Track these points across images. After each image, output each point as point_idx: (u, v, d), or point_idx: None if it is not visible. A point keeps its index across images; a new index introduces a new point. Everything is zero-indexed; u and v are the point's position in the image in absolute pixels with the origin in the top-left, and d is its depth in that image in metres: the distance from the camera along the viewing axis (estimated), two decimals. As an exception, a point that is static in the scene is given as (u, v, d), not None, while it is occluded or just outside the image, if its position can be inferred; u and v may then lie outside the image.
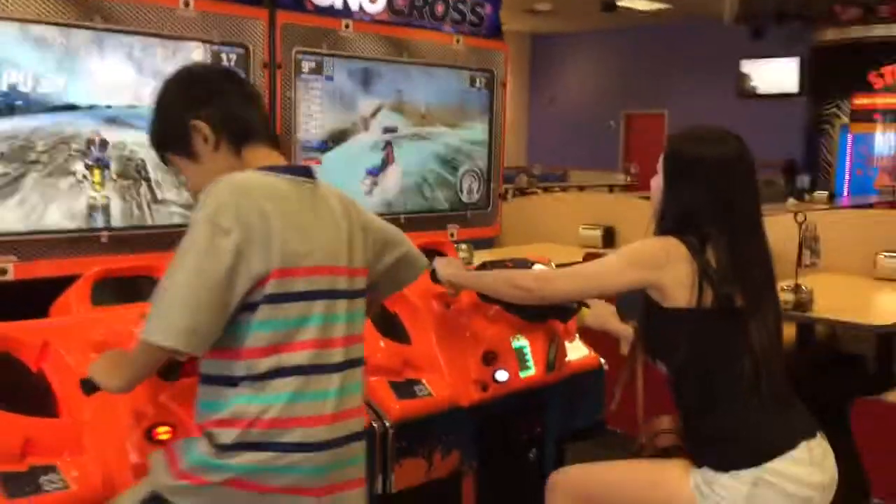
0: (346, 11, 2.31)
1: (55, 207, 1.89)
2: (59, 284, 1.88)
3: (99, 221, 1.95)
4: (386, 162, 2.44)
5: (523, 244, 4.99)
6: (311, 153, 2.29)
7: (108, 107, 1.94)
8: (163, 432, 1.61)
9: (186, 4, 2.01)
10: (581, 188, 11.87)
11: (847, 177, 12.44)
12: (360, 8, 2.33)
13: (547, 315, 2.25)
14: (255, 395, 1.46)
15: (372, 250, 1.68)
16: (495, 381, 2.19)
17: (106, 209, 1.96)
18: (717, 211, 1.83)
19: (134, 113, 1.96)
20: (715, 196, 1.83)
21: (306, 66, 2.25)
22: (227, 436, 1.45)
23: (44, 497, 1.50)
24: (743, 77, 13.88)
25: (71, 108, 1.88)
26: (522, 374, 2.25)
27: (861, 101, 12.34)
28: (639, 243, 1.89)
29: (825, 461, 1.79)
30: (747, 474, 1.72)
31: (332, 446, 1.51)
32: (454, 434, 2.15)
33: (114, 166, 1.96)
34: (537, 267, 2.22)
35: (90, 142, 1.91)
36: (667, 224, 1.88)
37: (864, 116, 12.28)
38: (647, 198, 6.65)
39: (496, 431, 2.26)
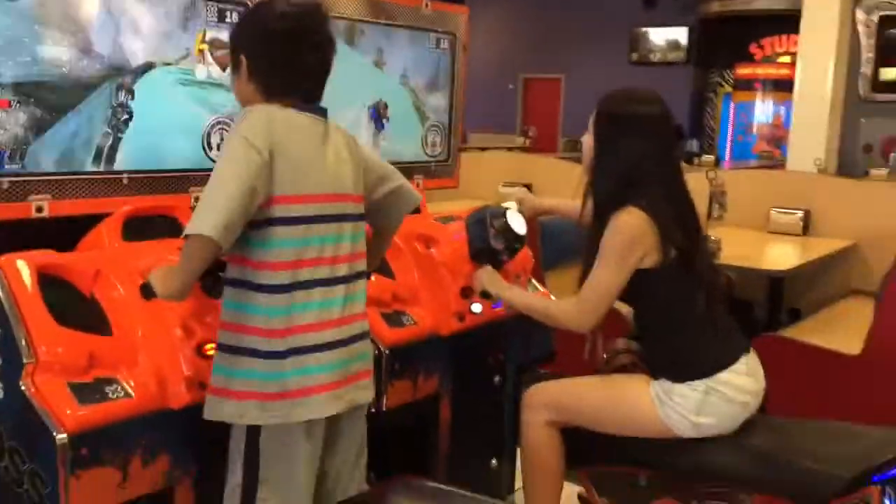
0: (332, -27, 2.50)
1: (84, 150, 2.03)
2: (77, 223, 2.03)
3: (121, 164, 2.10)
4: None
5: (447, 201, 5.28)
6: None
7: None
8: (210, 348, 1.82)
9: (198, -36, 2.18)
10: (482, 149, 12.23)
11: (728, 142, 13.23)
12: (345, -29, 2.53)
13: (503, 261, 2.50)
14: (277, 306, 1.71)
15: (369, 182, 1.92)
16: (471, 312, 2.47)
17: (127, 153, 2.11)
18: (653, 164, 2.09)
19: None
20: (650, 150, 2.09)
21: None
22: (273, 344, 1.70)
23: (109, 404, 1.69)
24: (635, 44, 14.44)
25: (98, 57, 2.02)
26: (494, 307, 2.54)
27: (743, 70, 13.10)
28: (615, 231, 2.07)
29: (757, 372, 2.16)
30: (700, 384, 2.06)
31: (340, 346, 1.78)
32: (435, 360, 2.42)
33: (136, 115, 2.11)
34: (511, 213, 2.44)
35: (118, 88, 2.06)
36: (603, 180, 2.13)
37: (746, 85, 13.05)
38: (561, 157, 7.06)
39: (469, 358, 2.55)
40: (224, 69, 2.27)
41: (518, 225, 2.44)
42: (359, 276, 1.86)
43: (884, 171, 9.21)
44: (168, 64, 2.16)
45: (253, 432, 1.75)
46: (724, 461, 2.04)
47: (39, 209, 1.96)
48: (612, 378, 2.26)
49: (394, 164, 2.09)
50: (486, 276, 2.36)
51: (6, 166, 1.90)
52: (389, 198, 2.00)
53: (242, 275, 1.73)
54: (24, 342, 1.65)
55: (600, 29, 14.79)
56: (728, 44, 13.61)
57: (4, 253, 1.76)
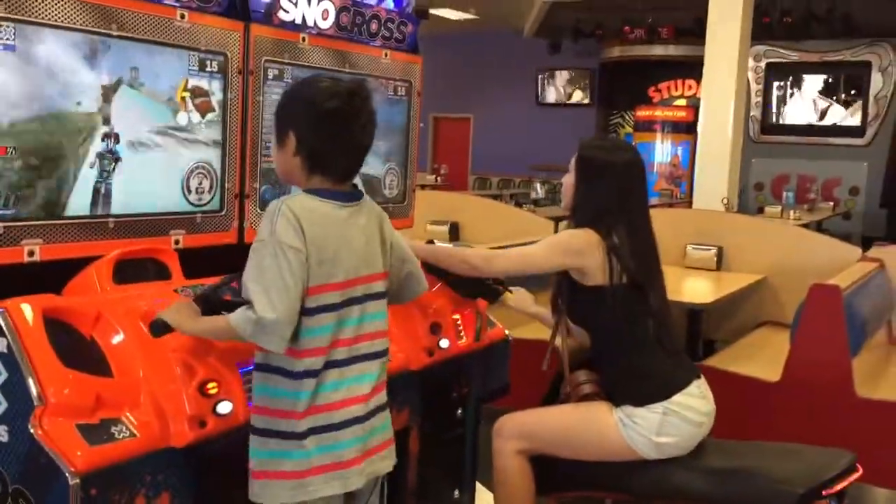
0: (303, 26, 2.61)
1: (73, 195, 2.07)
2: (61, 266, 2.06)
3: (107, 208, 2.14)
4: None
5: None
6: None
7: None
8: (211, 388, 1.88)
9: (182, 17, 2.25)
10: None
11: (630, 181, 13.75)
12: (315, 23, 2.64)
13: (478, 295, 2.68)
14: (303, 390, 1.78)
15: (394, 262, 2.01)
16: (439, 347, 2.59)
17: (111, 197, 2.15)
18: (622, 205, 2.36)
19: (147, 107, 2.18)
20: (619, 194, 2.37)
21: (271, 73, 2.53)
22: (294, 425, 1.77)
23: (116, 444, 1.73)
24: (541, 86, 14.95)
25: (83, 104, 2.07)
26: (459, 342, 2.66)
27: (643, 112, 13.72)
28: (564, 234, 2.40)
29: (708, 395, 2.35)
30: (658, 406, 2.25)
31: (361, 421, 1.85)
32: (407, 393, 2.52)
33: (124, 158, 2.16)
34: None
35: (105, 136, 2.11)
36: (582, 216, 2.39)
37: (646, 126, 13.65)
38: (485, 196, 7.29)
39: (436, 392, 2.66)
40: (203, 116, 2.35)
41: None
42: (380, 354, 1.92)
43: (777, 209, 9.84)
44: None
45: None
46: (686, 481, 2.21)
47: (31, 253, 1.99)
48: (577, 406, 2.42)
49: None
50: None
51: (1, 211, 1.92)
52: (406, 280, 2.08)
53: (269, 359, 1.80)
54: (33, 386, 1.68)
55: (508, 71, 15.26)
56: (628, 87, 14.28)
57: (-4, 297, 1.79)
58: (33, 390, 1.68)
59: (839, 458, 2.17)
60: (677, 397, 2.26)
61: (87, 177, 2.09)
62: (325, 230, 1.77)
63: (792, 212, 9.47)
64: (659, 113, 13.73)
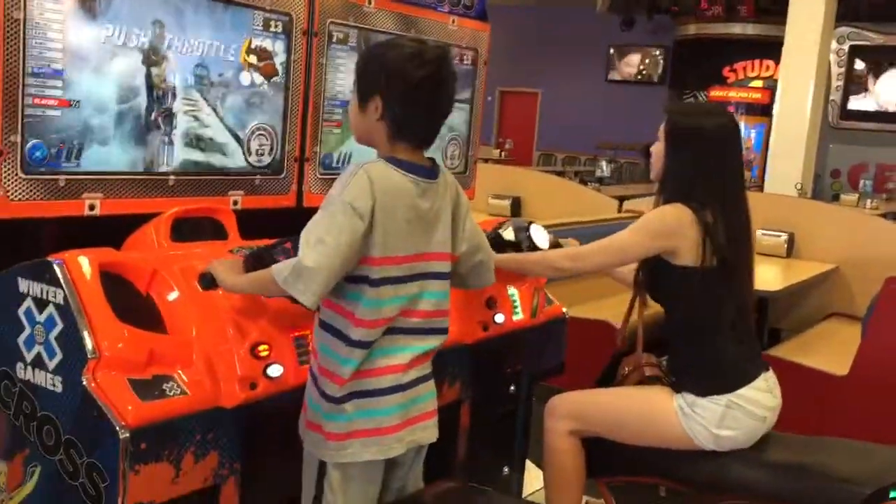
0: (371, -12, 2.56)
1: (134, 150, 2.07)
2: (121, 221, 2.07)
3: (168, 165, 2.14)
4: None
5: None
6: (337, 112, 2.55)
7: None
8: (263, 350, 1.87)
9: (249, -26, 2.23)
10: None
11: (700, 163, 13.44)
12: (383, -14, 2.59)
13: None
14: (353, 358, 1.76)
15: (464, 248, 1.95)
16: (494, 322, 2.54)
17: (173, 154, 2.15)
18: (715, 175, 2.20)
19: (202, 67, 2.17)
20: (712, 162, 2.21)
21: (335, 36, 2.50)
22: (335, 390, 1.76)
23: (168, 400, 1.73)
24: (612, 63, 14.67)
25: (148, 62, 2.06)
26: (514, 318, 2.61)
27: (717, 93, 13.34)
28: (655, 214, 2.24)
29: (775, 389, 2.25)
30: (722, 399, 2.16)
31: (401, 390, 1.81)
32: (459, 367, 2.48)
33: (181, 117, 2.15)
34: (535, 228, 2.55)
35: (167, 93, 2.10)
36: (672, 188, 2.25)
37: (719, 108, 13.27)
38: (549, 172, 7.23)
39: (489, 367, 2.61)
40: (268, 78, 2.33)
41: (541, 239, 2.52)
42: (435, 331, 1.87)
43: (854, 197, 9.50)
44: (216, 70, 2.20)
45: (321, 464, 1.82)
46: (744, 475, 2.13)
47: (92, 207, 2.00)
48: (634, 389, 2.34)
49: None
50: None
51: (63, 165, 1.93)
52: (476, 268, 2.02)
53: (333, 320, 1.78)
54: (88, 338, 1.69)
55: (578, 46, 15.00)
56: (702, 66, 13.90)
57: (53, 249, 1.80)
58: (88, 343, 1.68)
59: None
60: (743, 391, 2.16)
61: (148, 132, 2.09)
62: (396, 202, 1.73)
63: (869, 201, 9.13)
64: (733, 94, 13.33)
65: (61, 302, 1.72)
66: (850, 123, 13.12)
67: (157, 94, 2.09)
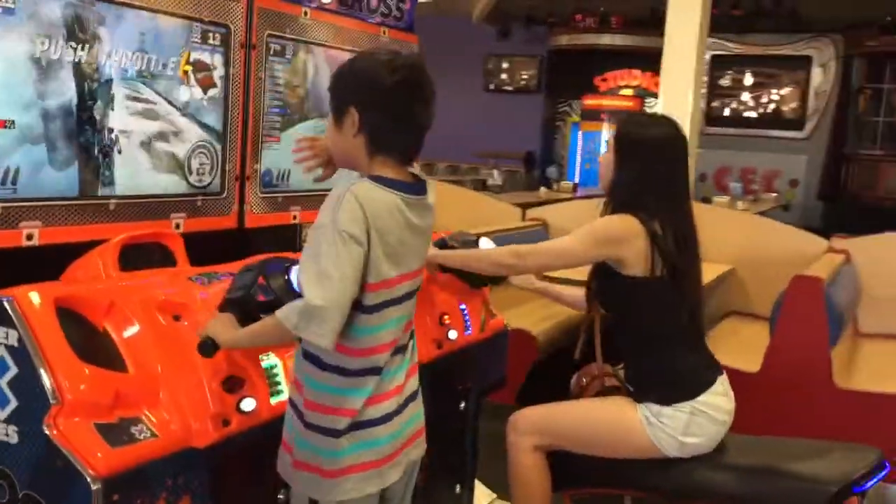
0: (306, -1, 2.48)
1: (73, 174, 1.91)
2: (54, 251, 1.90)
3: (109, 189, 1.99)
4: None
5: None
6: (275, 126, 2.44)
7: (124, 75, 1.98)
8: (235, 383, 1.75)
9: (188, -17, 2.10)
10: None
11: (577, 169, 13.83)
12: (318, -4, 2.51)
13: (487, 281, 2.58)
14: (351, 388, 1.66)
15: None
16: (448, 339, 2.49)
17: (113, 177, 2.00)
18: (663, 186, 2.23)
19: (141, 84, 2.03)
20: (660, 173, 2.23)
21: (273, 48, 2.39)
22: (337, 422, 1.65)
23: (138, 445, 1.59)
24: (489, 72, 14.85)
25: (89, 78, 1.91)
26: (466, 334, 2.57)
27: (590, 101, 13.75)
28: (601, 222, 2.26)
29: (730, 391, 2.30)
30: (686, 406, 2.18)
31: (396, 415, 1.73)
32: (415, 386, 2.42)
33: (125, 136, 2.00)
34: (484, 242, 2.52)
35: (105, 112, 1.95)
36: (620, 198, 2.26)
37: (592, 116, 13.68)
38: (445, 180, 7.12)
39: (442, 385, 2.55)
40: (206, 92, 2.20)
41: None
42: (410, 347, 1.81)
43: (725, 199, 9.97)
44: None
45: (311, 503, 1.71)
46: (711, 479, 2.16)
47: (30, 237, 1.82)
48: (596, 402, 2.34)
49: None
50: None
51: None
52: None
53: (320, 353, 1.65)
54: (48, 382, 1.53)
55: (455, 56, 15.10)
56: (575, 75, 14.28)
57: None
58: (48, 387, 1.53)
59: (867, 455, 2.15)
60: (704, 396, 2.19)
61: (85, 154, 1.93)
62: (389, 222, 1.63)
63: (739, 202, 9.61)
64: (606, 102, 13.76)
65: (14, 343, 1.56)
66: (714, 129, 13.79)
67: (94, 112, 1.94)
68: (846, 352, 4.41)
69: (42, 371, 1.54)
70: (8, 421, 1.57)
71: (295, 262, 1.79)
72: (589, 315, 2.47)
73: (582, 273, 3.97)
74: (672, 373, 2.24)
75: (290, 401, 1.73)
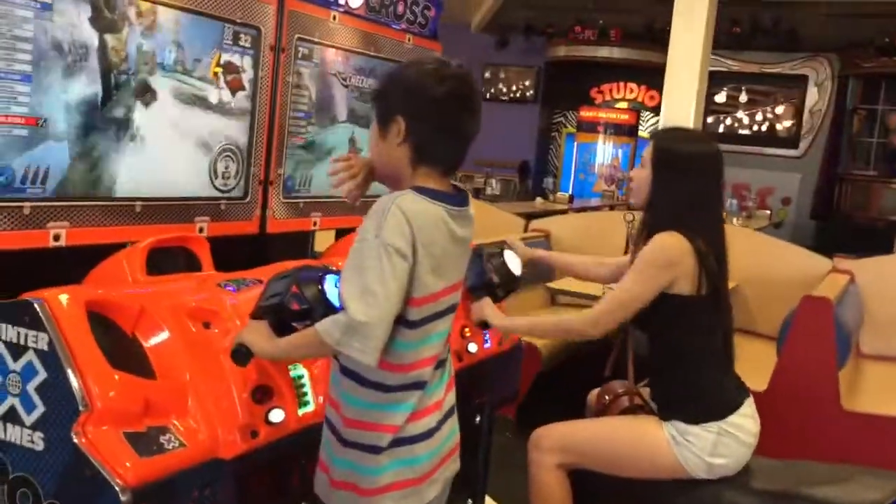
0: (335, 2, 2.44)
1: (101, 174, 1.87)
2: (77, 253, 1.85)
3: (135, 191, 1.95)
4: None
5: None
6: (301, 131, 2.41)
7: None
8: (264, 394, 1.71)
9: (221, -17, 2.07)
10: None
11: (571, 180, 13.83)
12: (346, 1, 2.47)
13: (500, 297, 2.51)
14: (388, 403, 1.61)
15: None
16: (468, 352, 2.46)
17: (140, 179, 1.96)
18: (704, 203, 2.19)
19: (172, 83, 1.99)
20: (703, 190, 2.19)
21: (301, 52, 2.36)
22: (379, 439, 1.61)
23: (166, 455, 1.56)
24: (487, 81, 14.84)
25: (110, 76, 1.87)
26: (485, 346, 2.53)
27: (587, 113, 13.76)
28: (655, 247, 2.16)
29: (756, 415, 2.27)
30: (713, 426, 2.14)
31: (436, 431, 1.69)
32: (433, 399, 2.38)
33: (153, 136, 1.96)
34: (508, 255, 2.45)
35: (134, 111, 1.91)
36: (661, 215, 2.20)
37: (589, 127, 13.70)
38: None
39: (460, 399, 2.52)
40: (234, 94, 2.17)
41: (514, 265, 2.45)
42: (447, 360, 1.77)
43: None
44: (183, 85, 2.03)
45: None
46: (738, 503, 2.13)
47: (57, 237, 1.78)
48: (621, 420, 2.30)
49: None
50: (487, 308, 2.30)
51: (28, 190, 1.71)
52: None
53: (358, 367, 1.60)
54: (78, 388, 1.49)
55: (454, 64, 15.08)
56: (571, 87, 14.30)
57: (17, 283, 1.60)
58: (78, 393, 1.49)
59: (891, 482, 2.12)
60: (732, 417, 2.16)
61: (114, 155, 1.89)
62: (434, 235, 1.58)
63: (735, 219, 9.61)
64: (602, 115, 13.78)
65: (44, 347, 1.51)
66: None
67: (121, 112, 1.90)
68: (850, 373, 4.40)
69: (72, 376, 1.50)
70: (35, 427, 1.53)
71: (328, 270, 1.75)
72: (621, 331, 2.43)
73: (595, 287, 3.95)
74: (701, 392, 2.20)
75: (327, 420, 1.67)
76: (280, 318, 1.66)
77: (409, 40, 2.78)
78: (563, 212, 9.13)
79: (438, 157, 1.64)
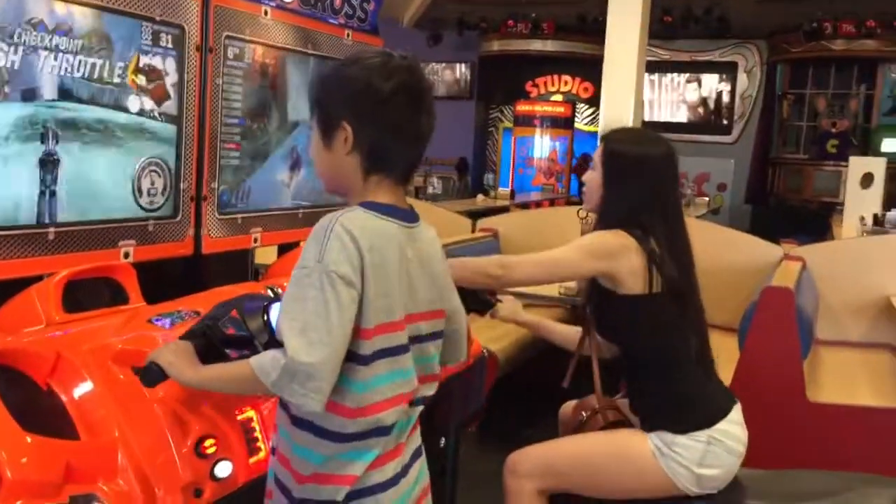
0: (266, -4, 2.22)
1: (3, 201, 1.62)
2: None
3: (49, 217, 1.70)
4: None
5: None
6: (234, 139, 2.18)
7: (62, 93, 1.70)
8: (209, 445, 1.49)
9: (136, -23, 1.83)
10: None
11: (511, 175, 13.74)
12: (278, -6, 2.25)
13: (471, 308, 2.35)
14: (342, 454, 1.40)
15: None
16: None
17: (54, 203, 1.71)
18: (658, 204, 2.10)
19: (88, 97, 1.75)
20: (655, 191, 2.10)
21: (231, 52, 2.13)
22: (335, 493, 1.39)
23: (96, 531, 1.33)
24: (420, 79, 14.62)
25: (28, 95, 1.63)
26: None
27: (523, 107, 13.70)
28: (595, 235, 2.11)
29: (743, 422, 2.14)
30: (702, 435, 2.01)
31: (401, 477, 1.48)
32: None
33: (66, 154, 1.72)
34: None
35: (43, 126, 1.67)
36: (612, 217, 2.12)
37: (526, 121, 13.64)
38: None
39: (424, 421, 2.32)
40: (159, 103, 1.93)
41: None
42: (424, 401, 1.55)
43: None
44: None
45: None
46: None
47: (-46, 276, 1.53)
48: (601, 435, 2.15)
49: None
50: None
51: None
52: (446, 340, 1.62)
53: (312, 416, 1.38)
54: (-17, 459, 1.25)
55: (385, 62, 14.86)
56: (506, 81, 14.22)
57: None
58: (-17, 465, 1.25)
59: (888, 488, 2.00)
60: (721, 425, 2.03)
61: (22, 177, 1.64)
62: (386, 256, 1.38)
63: (676, 208, 9.59)
64: (539, 108, 13.73)
65: (-61, 412, 1.27)
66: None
67: (35, 129, 1.65)
68: (809, 363, 4.33)
69: (-24, 445, 1.25)
70: (-68, 508, 1.28)
71: (275, 299, 1.54)
72: (580, 341, 2.28)
73: (549, 289, 3.80)
74: (686, 398, 2.07)
75: (276, 480, 1.44)
76: (210, 341, 1.44)
77: (348, 36, 2.57)
78: (506, 208, 9.02)
79: (392, 164, 1.44)
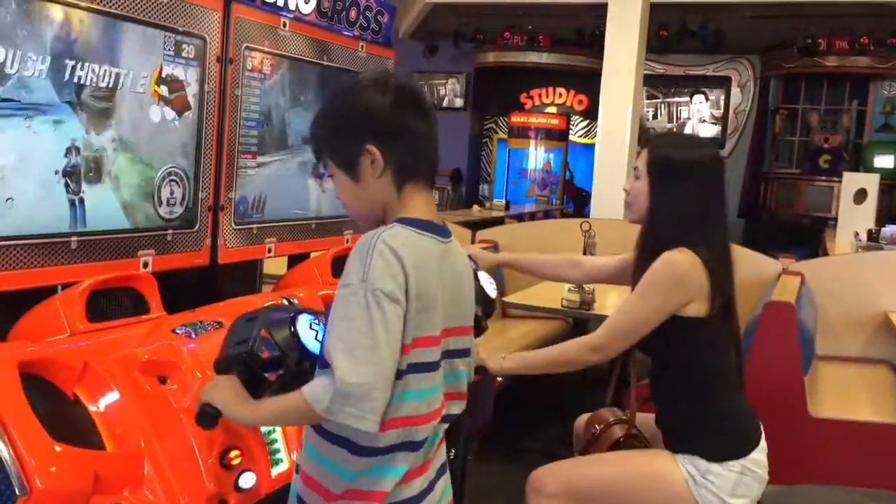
0: (285, 8, 2.23)
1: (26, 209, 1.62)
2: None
3: (72, 225, 1.70)
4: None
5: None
6: (251, 150, 2.18)
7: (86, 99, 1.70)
8: (234, 457, 1.49)
9: (159, -12, 1.83)
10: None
11: (505, 186, 13.77)
12: (297, 6, 2.26)
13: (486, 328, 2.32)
14: (372, 468, 1.39)
15: None
16: (442, 384, 2.26)
17: (77, 212, 1.71)
18: (710, 213, 1.98)
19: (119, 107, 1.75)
20: (707, 199, 1.98)
21: (250, 63, 2.14)
22: None
23: (123, 541, 1.33)
24: (416, 89, 14.65)
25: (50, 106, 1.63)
26: (460, 377, 2.34)
27: (518, 118, 13.74)
28: (661, 268, 1.94)
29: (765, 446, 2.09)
30: (736, 464, 1.95)
31: (428, 492, 1.48)
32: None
33: (89, 163, 1.72)
34: (483, 276, 2.26)
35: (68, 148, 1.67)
36: (665, 229, 1.98)
37: (520, 133, 13.68)
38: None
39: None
40: (180, 113, 1.94)
41: (490, 288, 2.24)
42: (452, 418, 1.54)
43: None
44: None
45: None
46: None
47: (-22, 284, 1.53)
48: (630, 455, 2.10)
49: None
50: (480, 351, 1.92)
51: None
52: None
53: (339, 429, 1.37)
54: (13, 467, 1.25)
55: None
56: (501, 93, 14.27)
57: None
58: (14, 474, 1.25)
59: None
60: (753, 454, 1.98)
61: (45, 187, 1.64)
62: (427, 272, 1.38)
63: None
64: (533, 119, 13.78)
65: (-31, 421, 1.27)
66: (637, 148, 13.93)
67: (63, 130, 1.65)
68: (809, 378, 4.35)
69: (5, 454, 1.25)
70: (-40, 517, 1.28)
71: (299, 310, 1.54)
72: (621, 358, 2.24)
73: (551, 301, 3.78)
74: (723, 423, 2.02)
75: (299, 500, 1.42)
76: (250, 368, 1.44)
77: (362, 48, 2.58)
78: (501, 219, 9.02)
79: (420, 166, 1.43)
